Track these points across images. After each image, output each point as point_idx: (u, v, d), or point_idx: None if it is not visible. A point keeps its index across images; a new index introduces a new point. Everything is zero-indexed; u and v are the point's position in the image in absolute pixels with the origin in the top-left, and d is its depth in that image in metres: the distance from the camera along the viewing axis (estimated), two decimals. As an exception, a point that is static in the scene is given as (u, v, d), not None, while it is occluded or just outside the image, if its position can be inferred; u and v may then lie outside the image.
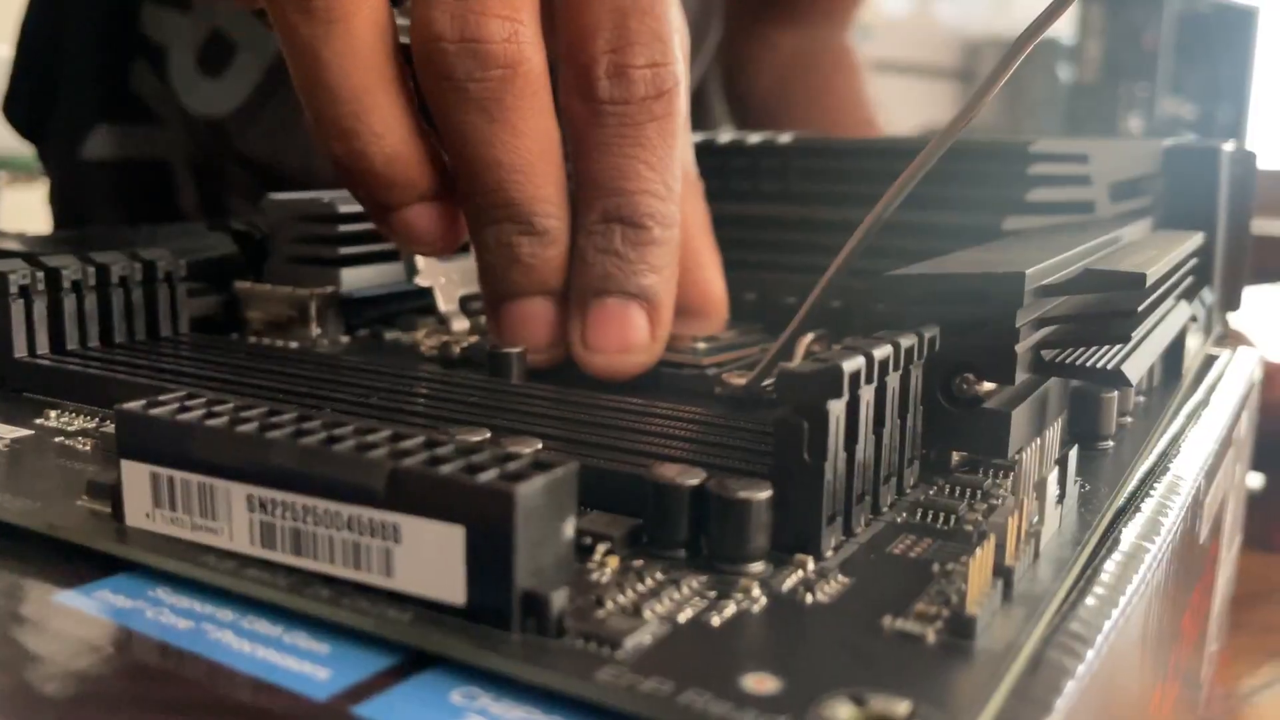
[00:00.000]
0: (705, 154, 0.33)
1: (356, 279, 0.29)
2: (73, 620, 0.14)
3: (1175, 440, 0.23)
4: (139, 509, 0.16)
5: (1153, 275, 0.19)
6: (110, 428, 0.21)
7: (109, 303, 0.25)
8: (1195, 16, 2.68)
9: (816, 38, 0.69)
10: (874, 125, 0.69)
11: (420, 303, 0.32)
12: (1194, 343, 0.30)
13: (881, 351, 0.16)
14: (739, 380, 0.23)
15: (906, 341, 0.17)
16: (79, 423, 0.21)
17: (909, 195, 0.30)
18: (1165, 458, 0.22)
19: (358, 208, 0.29)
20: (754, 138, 0.33)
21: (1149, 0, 2.57)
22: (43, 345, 0.24)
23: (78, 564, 0.16)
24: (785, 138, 0.33)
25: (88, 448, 0.20)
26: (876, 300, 0.21)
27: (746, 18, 0.68)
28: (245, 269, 0.30)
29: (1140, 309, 0.19)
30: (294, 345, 0.28)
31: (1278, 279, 0.98)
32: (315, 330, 0.28)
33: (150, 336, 0.26)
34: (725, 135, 0.34)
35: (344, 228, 0.29)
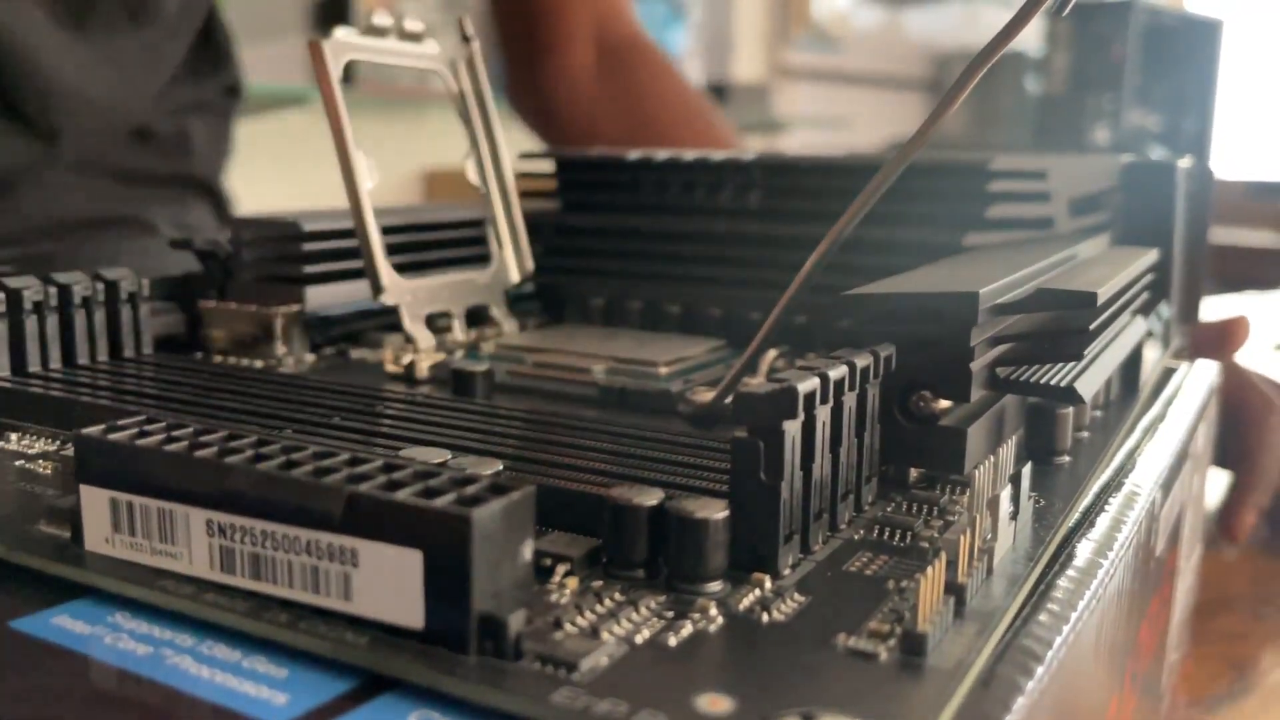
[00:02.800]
0: (671, 170, 0.34)
1: (322, 297, 0.29)
2: (31, 646, 0.14)
3: (1132, 454, 0.24)
4: (98, 534, 0.16)
5: (1105, 294, 0.20)
6: (71, 451, 0.20)
7: (71, 323, 0.25)
8: (1161, 30, 2.71)
9: (605, 39, 0.63)
10: (708, 120, 0.63)
11: (386, 320, 0.32)
12: (1152, 356, 0.31)
13: (837, 372, 0.17)
14: (703, 398, 0.23)
15: (862, 361, 0.17)
16: (40, 445, 0.21)
17: (872, 212, 0.30)
18: (1121, 472, 0.22)
19: (323, 226, 0.30)
20: (717, 155, 0.33)
21: (1115, 13, 2.60)
22: (3, 367, 0.24)
23: (36, 589, 0.16)
24: (749, 155, 0.33)
25: (48, 471, 0.20)
26: (837, 317, 0.21)
27: (522, 40, 0.64)
28: (209, 287, 0.30)
29: (1093, 327, 0.19)
30: (258, 364, 0.28)
31: (1240, 288, 1.00)
32: (280, 349, 0.28)
33: (113, 357, 0.26)
34: (690, 153, 0.34)
35: (309, 246, 0.29)
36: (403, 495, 0.13)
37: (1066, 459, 0.22)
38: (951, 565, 0.15)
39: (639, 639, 0.14)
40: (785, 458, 0.15)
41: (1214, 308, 0.40)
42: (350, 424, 0.21)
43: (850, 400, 0.17)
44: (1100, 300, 0.19)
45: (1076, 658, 0.16)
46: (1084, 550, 0.18)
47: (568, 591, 0.15)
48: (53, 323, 0.25)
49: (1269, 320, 0.85)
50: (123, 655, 0.14)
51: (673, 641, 0.14)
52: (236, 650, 0.14)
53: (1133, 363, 0.28)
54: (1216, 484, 0.44)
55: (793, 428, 0.16)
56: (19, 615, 0.15)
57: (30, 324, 0.24)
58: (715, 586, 0.15)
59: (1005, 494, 0.16)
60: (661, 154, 0.35)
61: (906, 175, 0.31)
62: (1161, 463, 0.24)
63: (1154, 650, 0.25)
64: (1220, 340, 0.40)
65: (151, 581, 0.15)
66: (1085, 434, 0.23)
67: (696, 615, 0.14)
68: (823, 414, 0.16)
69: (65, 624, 0.15)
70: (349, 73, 0.29)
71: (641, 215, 0.34)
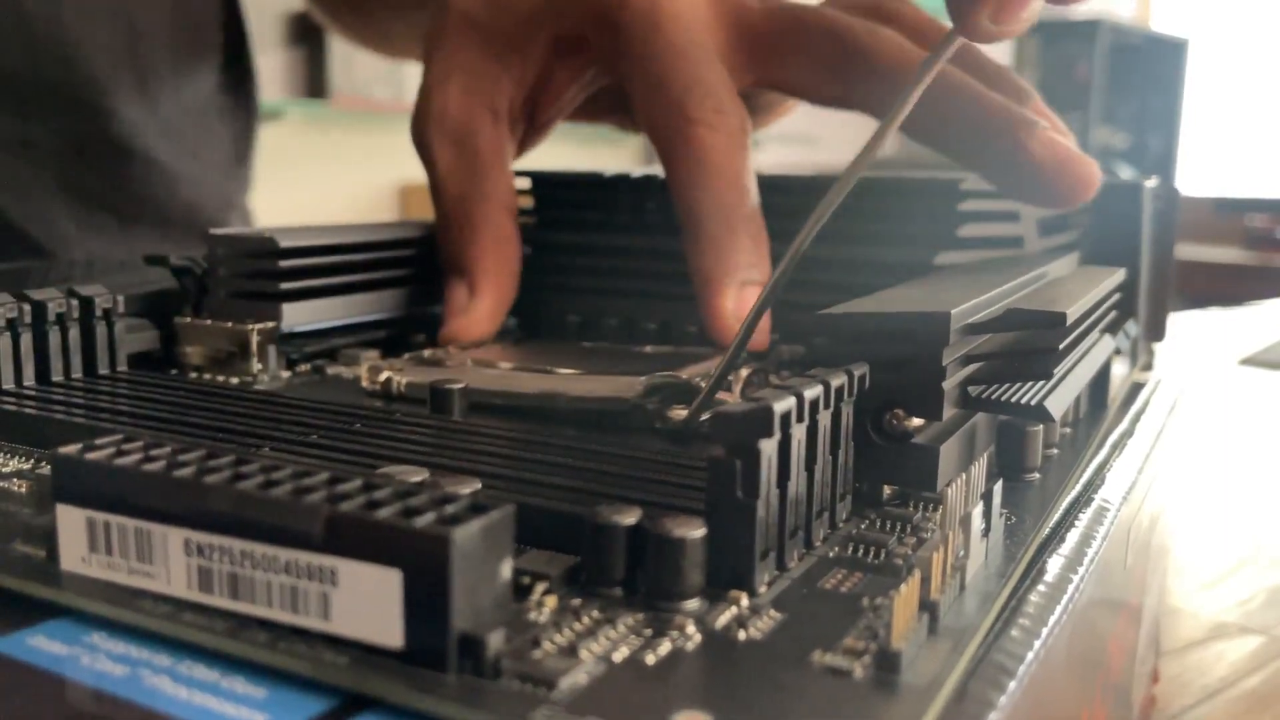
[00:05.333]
0: (647, 187, 0.34)
1: (298, 314, 0.29)
2: (6, 667, 0.14)
3: (1100, 469, 0.24)
4: (74, 553, 0.16)
5: (1073, 314, 0.20)
6: (47, 469, 0.20)
7: (45, 340, 0.25)
8: (1127, 48, 2.76)
9: None
10: None
11: (363, 337, 0.32)
12: (1120, 372, 0.31)
13: (812, 391, 0.17)
14: (679, 414, 0.24)
15: (836, 380, 0.18)
16: (14, 464, 0.21)
17: (846, 232, 0.31)
18: (1090, 487, 0.23)
19: (299, 242, 0.30)
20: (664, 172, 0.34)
21: (1082, 33, 2.63)
22: (-24, 384, 0.24)
23: (11, 610, 0.15)
24: None
25: (23, 490, 0.20)
26: (810, 336, 0.21)
27: None
28: (185, 303, 0.30)
29: (1062, 346, 0.20)
30: (234, 381, 0.28)
31: (1206, 304, 1.01)
32: (256, 366, 0.28)
33: (87, 374, 0.26)
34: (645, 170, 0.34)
35: (285, 263, 0.29)
36: (382, 515, 0.14)
37: (1037, 475, 0.22)
38: (925, 582, 0.15)
39: (617, 657, 0.14)
40: (761, 476, 0.16)
41: (1180, 324, 0.41)
42: (327, 442, 0.21)
43: (825, 419, 0.18)
44: (1069, 320, 0.20)
45: (1048, 671, 0.16)
46: (1054, 565, 0.18)
47: (546, 610, 0.15)
48: (27, 340, 0.24)
49: (1234, 336, 0.86)
50: (100, 676, 0.14)
51: (651, 659, 0.14)
52: (215, 670, 0.14)
53: (1101, 379, 0.28)
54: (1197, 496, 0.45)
55: (769, 446, 0.16)
56: (-6, 636, 0.15)
57: (4, 341, 0.24)
58: (692, 604, 0.15)
59: (977, 511, 0.17)
60: (638, 171, 0.35)
61: (879, 195, 0.31)
62: (1130, 477, 0.24)
63: (1124, 661, 0.25)
64: None
65: (129, 601, 0.15)
66: (1055, 450, 0.24)
67: (674, 633, 0.15)
68: (798, 433, 0.17)
69: (41, 644, 0.15)
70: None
71: (618, 232, 0.34)
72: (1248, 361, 0.77)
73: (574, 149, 0.50)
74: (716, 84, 0.30)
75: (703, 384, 0.24)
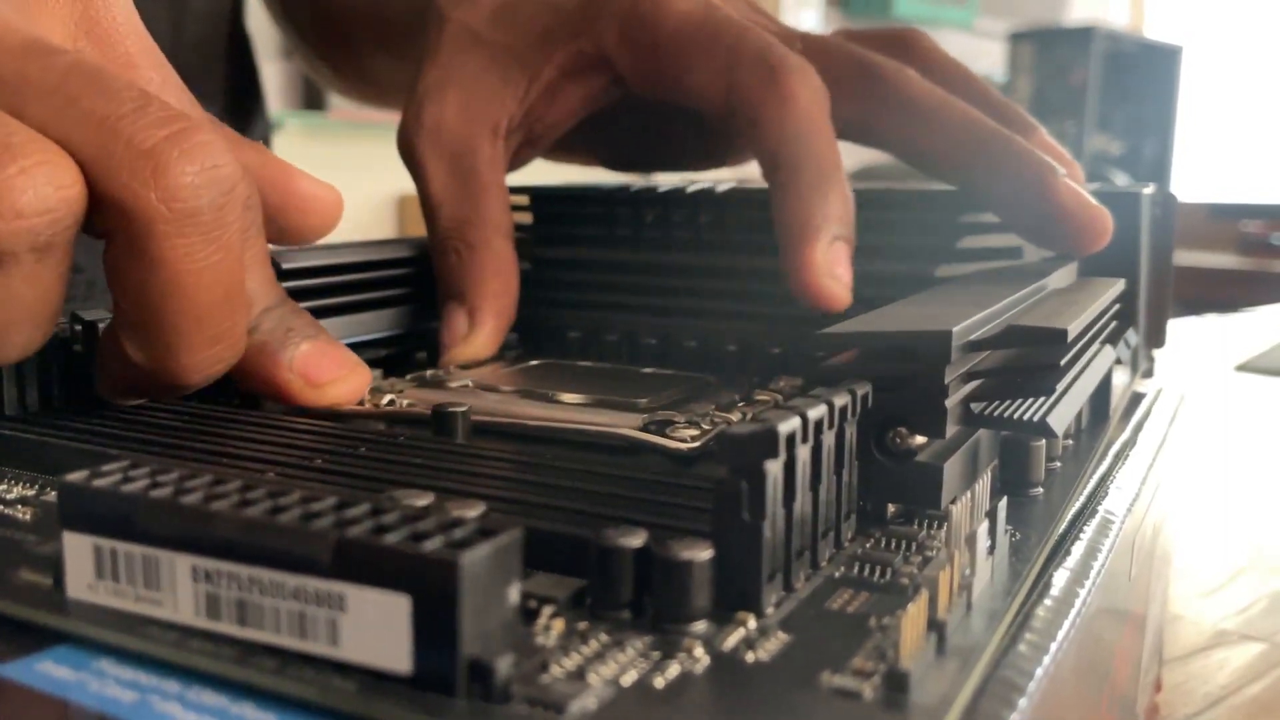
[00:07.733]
0: (645, 202, 0.34)
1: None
2: (15, 692, 0.14)
3: (1104, 481, 0.24)
4: (81, 581, 0.16)
5: (1074, 330, 0.20)
6: (51, 496, 0.20)
7: (49, 366, 0.25)
8: (1121, 55, 2.77)
9: None
10: None
11: (365, 355, 0.32)
12: (1121, 380, 0.31)
13: (816, 411, 0.17)
14: (683, 434, 0.24)
15: (840, 400, 0.18)
16: (18, 490, 0.21)
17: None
18: (1094, 499, 0.23)
19: (301, 263, 0.30)
20: (692, 187, 0.34)
21: (1077, 40, 2.64)
22: (-21, 409, 0.24)
23: (17, 637, 0.15)
24: (723, 187, 0.34)
25: (27, 516, 0.20)
26: (814, 352, 0.21)
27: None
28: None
29: (1063, 362, 0.20)
30: (236, 402, 0.28)
31: (1201, 311, 1.01)
32: (258, 387, 0.28)
33: (91, 398, 0.26)
34: (664, 184, 0.35)
35: (288, 284, 0.29)
36: (390, 539, 0.14)
37: (1040, 490, 0.22)
38: (932, 601, 0.15)
39: (626, 680, 0.14)
40: (767, 497, 0.16)
41: (1176, 330, 0.41)
42: (332, 466, 0.21)
43: (829, 439, 0.18)
44: (1070, 337, 0.20)
45: (1057, 686, 0.16)
46: (1060, 579, 0.18)
47: (554, 633, 0.15)
48: (30, 365, 0.24)
49: (1230, 342, 0.86)
50: (108, 701, 0.14)
51: (660, 683, 0.14)
52: (223, 696, 0.14)
53: (1102, 390, 0.28)
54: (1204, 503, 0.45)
55: (774, 467, 0.16)
56: (2, 661, 0.15)
57: (7, 367, 0.24)
58: (700, 626, 0.15)
59: (982, 529, 0.17)
60: (636, 185, 0.35)
61: (880, 207, 0.31)
62: (1133, 488, 0.24)
63: (1129, 671, 0.25)
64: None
65: (136, 628, 0.15)
66: (1058, 463, 0.24)
67: (682, 655, 0.15)
68: (803, 453, 0.17)
69: (50, 670, 0.15)
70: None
71: (617, 247, 0.35)
72: (1244, 368, 0.77)
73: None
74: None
75: (703, 423, 0.24)
